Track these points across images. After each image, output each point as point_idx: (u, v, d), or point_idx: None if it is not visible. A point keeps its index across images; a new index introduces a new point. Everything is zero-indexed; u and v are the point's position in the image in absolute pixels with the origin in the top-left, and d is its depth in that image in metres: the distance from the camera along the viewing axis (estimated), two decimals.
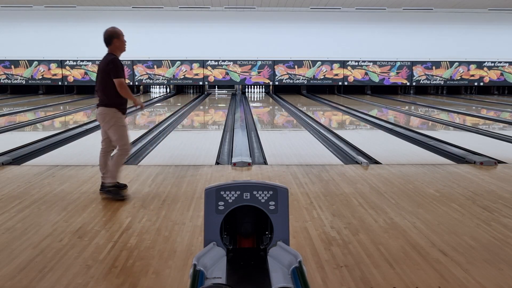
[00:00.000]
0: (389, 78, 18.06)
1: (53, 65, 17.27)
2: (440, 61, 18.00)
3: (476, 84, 18.37)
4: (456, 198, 4.01)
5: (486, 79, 18.22)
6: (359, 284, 2.41)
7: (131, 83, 17.63)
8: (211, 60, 17.68)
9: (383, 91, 18.36)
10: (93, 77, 17.39)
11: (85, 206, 3.78)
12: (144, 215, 3.55)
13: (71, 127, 8.87)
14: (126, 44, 4.07)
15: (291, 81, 17.97)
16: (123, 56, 4.30)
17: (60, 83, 17.50)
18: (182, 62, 17.63)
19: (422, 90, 18.71)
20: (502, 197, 4.04)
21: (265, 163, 5.60)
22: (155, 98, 16.82)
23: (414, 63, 17.99)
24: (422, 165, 5.30)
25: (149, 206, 3.77)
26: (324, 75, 17.95)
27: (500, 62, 18.09)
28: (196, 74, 17.76)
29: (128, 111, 4.34)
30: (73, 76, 17.37)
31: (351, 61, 17.87)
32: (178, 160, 5.76)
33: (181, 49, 17.45)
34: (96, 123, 9.40)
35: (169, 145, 7.19)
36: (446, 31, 17.60)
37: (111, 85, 3.95)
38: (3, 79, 17.32)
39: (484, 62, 18.05)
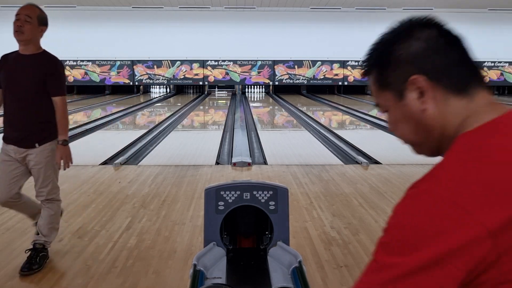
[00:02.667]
0: None
1: None
2: None
3: None
4: None
5: (486, 79, 18.18)
6: None
7: (131, 83, 17.64)
8: (211, 60, 17.68)
9: None
10: (94, 77, 17.41)
11: (85, 206, 3.78)
12: (144, 215, 3.55)
13: (71, 127, 8.84)
14: (16, 26, 2.74)
15: (291, 81, 17.97)
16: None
17: None
18: (182, 62, 17.63)
19: None
20: None
21: (265, 163, 5.60)
22: (155, 98, 16.83)
23: None
24: (422, 165, 5.30)
25: (149, 206, 3.77)
26: (324, 75, 17.95)
27: (500, 62, 18.09)
28: (196, 74, 17.76)
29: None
30: (73, 76, 17.37)
31: (351, 61, 17.87)
32: (178, 160, 5.76)
33: (181, 49, 17.44)
34: (97, 122, 9.41)
35: (169, 145, 7.19)
36: None
37: None
38: None
39: (484, 62, 18.04)
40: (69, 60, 17.26)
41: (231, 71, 17.79)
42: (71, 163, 2.75)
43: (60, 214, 2.94)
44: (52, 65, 2.74)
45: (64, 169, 2.75)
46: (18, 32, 2.69)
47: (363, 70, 0.99)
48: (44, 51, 2.77)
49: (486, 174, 0.75)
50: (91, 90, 17.58)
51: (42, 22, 2.74)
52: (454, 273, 0.72)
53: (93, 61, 17.28)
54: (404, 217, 0.77)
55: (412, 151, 0.99)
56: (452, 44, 0.88)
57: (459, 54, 0.88)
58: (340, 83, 18.16)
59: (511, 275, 0.72)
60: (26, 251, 2.65)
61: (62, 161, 2.69)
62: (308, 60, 17.81)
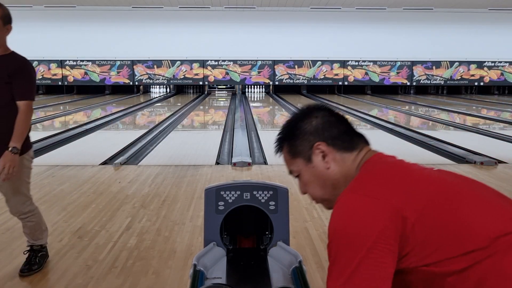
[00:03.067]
0: (389, 78, 18.05)
1: (53, 65, 17.28)
2: (440, 61, 17.99)
3: (476, 84, 18.35)
4: None
5: (486, 79, 18.21)
6: None
7: (131, 83, 17.64)
8: (211, 60, 17.67)
9: (383, 91, 18.36)
10: (94, 77, 17.40)
11: (85, 206, 3.77)
12: (144, 215, 3.55)
13: (71, 127, 8.87)
14: None
15: (291, 81, 17.96)
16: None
17: (60, 83, 17.48)
18: (182, 62, 17.63)
19: (422, 90, 18.70)
20: None
21: (265, 163, 5.59)
22: (155, 98, 16.82)
23: (414, 63, 17.98)
24: (422, 165, 5.29)
25: (149, 206, 3.77)
26: (324, 75, 17.95)
27: (501, 62, 18.08)
28: (196, 74, 17.76)
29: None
30: (73, 76, 17.36)
31: (351, 61, 17.86)
32: (178, 160, 5.75)
33: (181, 49, 17.43)
34: (97, 122, 9.41)
35: (169, 145, 7.19)
36: (446, 31, 17.59)
37: None
38: None
39: (484, 62, 18.03)
40: (69, 60, 17.25)
41: (231, 71, 17.79)
42: (11, 176, 2.35)
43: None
44: (18, 65, 2.43)
45: (3, 180, 2.33)
46: None
47: (276, 147, 1.29)
48: (13, 52, 2.50)
49: (381, 176, 1.09)
50: (91, 90, 17.57)
51: (6, 21, 2.47)
52: (389, 250, 0.97)
53: (93, 61, 17.27)
54: (344, 223, 1.02)
55: (324, 208, 1.28)
56: (340, 120, 1.25)
57: (345, 126, 1.25)
58: (340, 83, 18.15)
59: (426, 246, 0.98)
60: (25, 253, 2.65)
61: (3, 169, 2.29)
62: (308, 60, 17.80)
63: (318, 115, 1.23)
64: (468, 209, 1.02)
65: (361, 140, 1.25)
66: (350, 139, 1.22)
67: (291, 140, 1.24)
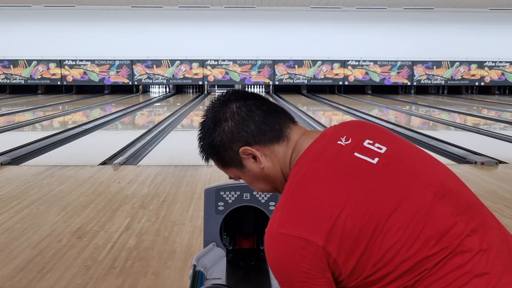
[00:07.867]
0: (389, 77, 18.03)
1: (52, 65, 17.25)
2: (441, 61, 17.98)
3: (477, 84, 18.34)
4: None
5: (487, 79, 18.20)
6: None
7: (130, 83, 17.63)
8: (210, 60, 17.65)
9: (383, 91, 18.35)
10: (93, 76, 17.40)
11: (84, 207, 3.76)
12: (144, 216, 3.53)
13: (70, 127, 8.85)
14: None
15: (291, 81, 17.95)
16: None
17: (59, 83, 17.46)
18: (182, 61, 17.61)
19: (423, 90, 18.69)
20: (503, 198, 4.02)
21: None
22: (154, 98, 16.80)
23: (415, 62, 17.96)
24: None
25: (148, 207, 3.76)
26: (324, 75, 17.93)
27: (501, 62, 18.06)
28: (196, 74, 17.74)
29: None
30: (72, 76, 17.34)
31: (352, 60, 17.85)
32: (178, 160, 5.74)
33: (180, 49, 17.42)
34: (96, 122, 9.39)
35: (169, 145, 7.18)
36: (447, 30, 17.58)
37: None
38: (1, 79, 17.30)
39: (485, 62, 18.02)
40: (68, 60, 17.23)
41: (231, 70, 17.78)
42: None
43: None
44: None
45: None
46: None
47: (203, 159, 1.22)
48: None
49: (303, 204, 0.98)
50: (90, 89, 17.55)
51: None
52: (324, 282, 0.96)
53: (92, 61, 17.25)
54: (272, 262, 1.00)
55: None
56: (251, 110, 1.09)
57: (261, 113, 1.10)
58: (340, 83, 18.13)
59: (349, 275, 0.96)
60: None
61: None
62: (309, 60, 17.79)
63: (226, 116, 1.10)
64: (390, 238, 0.95)
65: (283, 125, 1.12)
66: (270, 129, 1.10)
67: (214, 155, 1.16)
